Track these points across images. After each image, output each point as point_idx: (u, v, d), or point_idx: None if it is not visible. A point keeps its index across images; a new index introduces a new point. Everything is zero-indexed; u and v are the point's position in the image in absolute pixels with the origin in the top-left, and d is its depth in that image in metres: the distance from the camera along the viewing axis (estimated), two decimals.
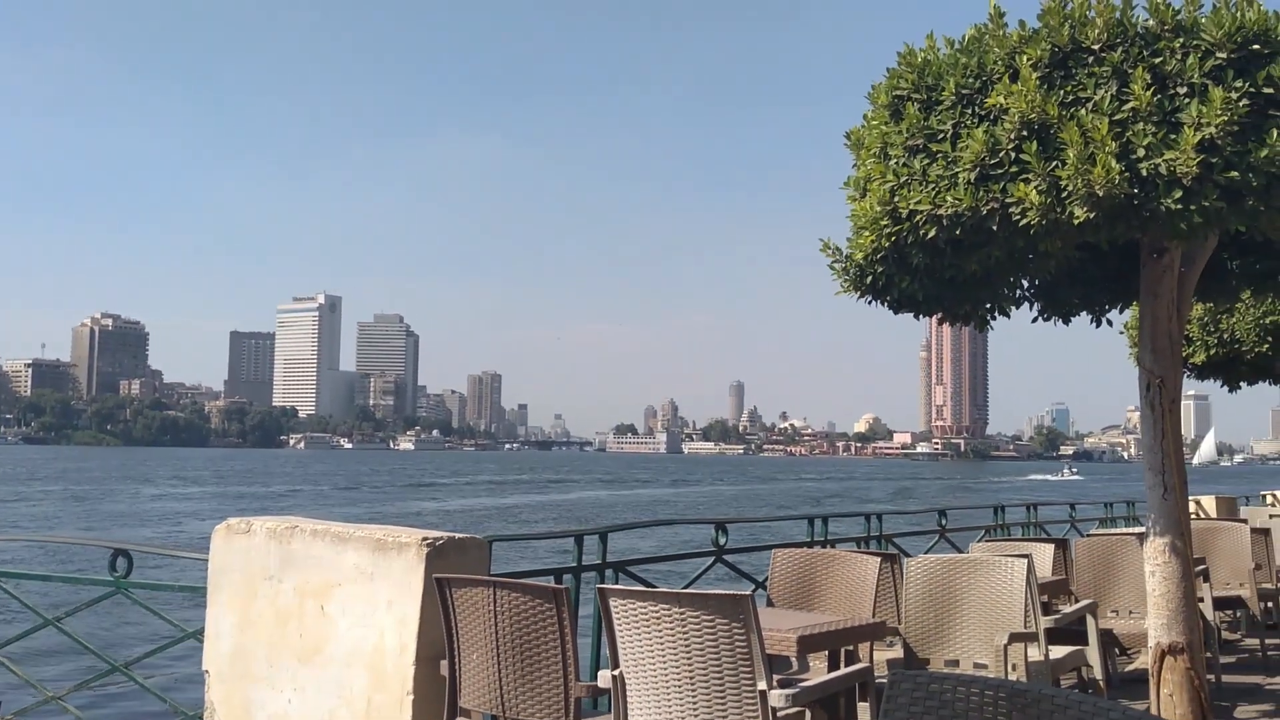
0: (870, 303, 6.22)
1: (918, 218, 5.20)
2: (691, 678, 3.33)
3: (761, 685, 3.25)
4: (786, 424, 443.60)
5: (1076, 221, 4.74)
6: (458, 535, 4.14)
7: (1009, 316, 6.68)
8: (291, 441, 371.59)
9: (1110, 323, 6.78)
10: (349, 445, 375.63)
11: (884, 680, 4.68)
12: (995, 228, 4.99)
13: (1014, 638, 4.75)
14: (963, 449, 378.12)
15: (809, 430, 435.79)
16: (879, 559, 5.36)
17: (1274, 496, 16.63)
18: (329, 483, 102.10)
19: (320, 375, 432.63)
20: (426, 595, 3.92)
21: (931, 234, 5.18)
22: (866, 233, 5.59)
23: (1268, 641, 8.60)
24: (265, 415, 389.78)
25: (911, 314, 6.47)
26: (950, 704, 1.99)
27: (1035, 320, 6.74)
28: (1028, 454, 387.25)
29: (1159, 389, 5.90)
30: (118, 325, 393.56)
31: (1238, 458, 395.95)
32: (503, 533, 5.48)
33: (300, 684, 4.12)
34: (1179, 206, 4.52)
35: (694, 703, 3.33)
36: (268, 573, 4.27)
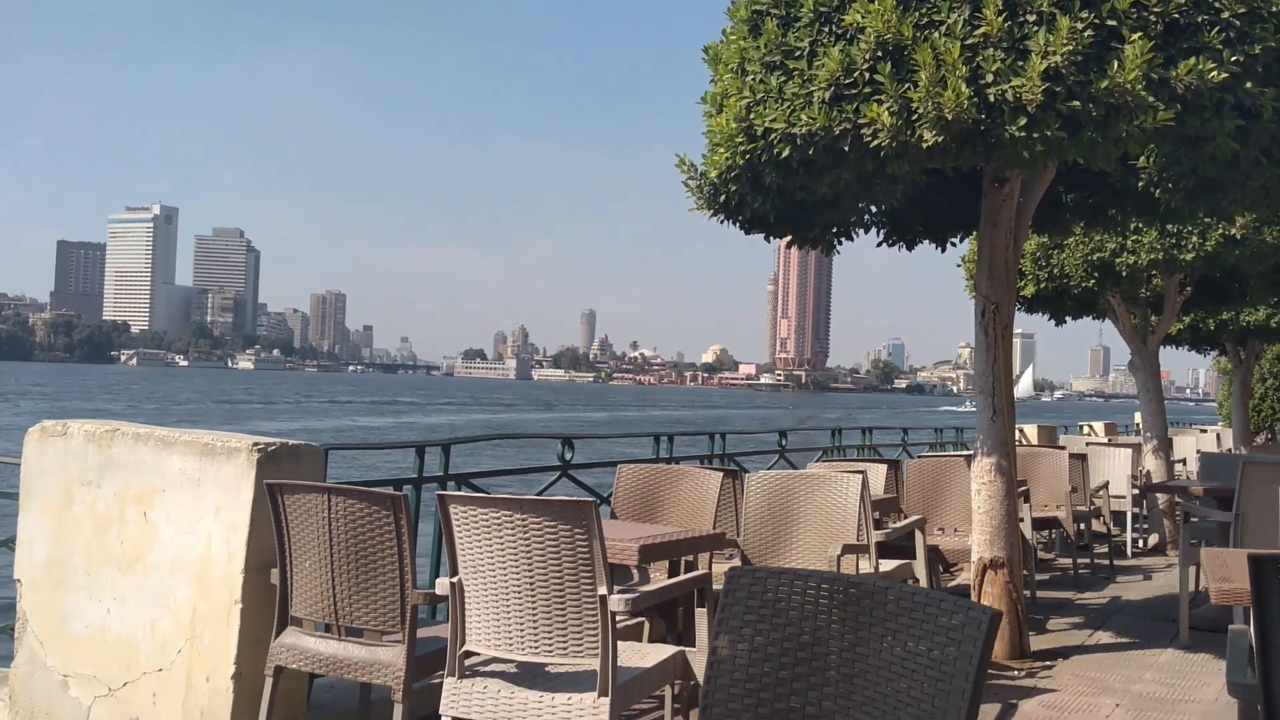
0: (723, 222, 6.22)
1: (772, 136, 5.19)
2: (532, 584, 3.29)
3: (602, 590, 3.24)
4: (637, 353, 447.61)
5: (925, 145, 4.80)
6: (291, 441, 3.98)
7: (854, 240, 6.82)
8: (123, 358, 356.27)
9: (955, 244, 6.98)
10: (185, 363, 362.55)
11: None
12: (847, 148, 5.02)
13: (846, 549, 4.88)
14: (804, 380, 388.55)
15: (659, 360, 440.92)
16: (721, 474, 5.42)
17: (1090, 428, 17.62)
18: (168, 400, 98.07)
19: (155, 289, 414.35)
20: (257, 502, 3.76)
21: (785, 153, 5.18)
22: (722, 150, 5.56)
23: (1079, 561, 9.13)
24: (95, 329, 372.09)
25: (762, 235, 6.52)
26: (786, 598, 1.99)
27: (880, 245, 6.88)
28: (864, 386, 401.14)
29: (993, 314, 6.10)
30: None
31: (1057, 394, 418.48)
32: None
33: (120, 593, 3.92)
34: (1023, 134, 4.62)
35: (533, 608, 3.30)
36: (86, 478, 4.03)
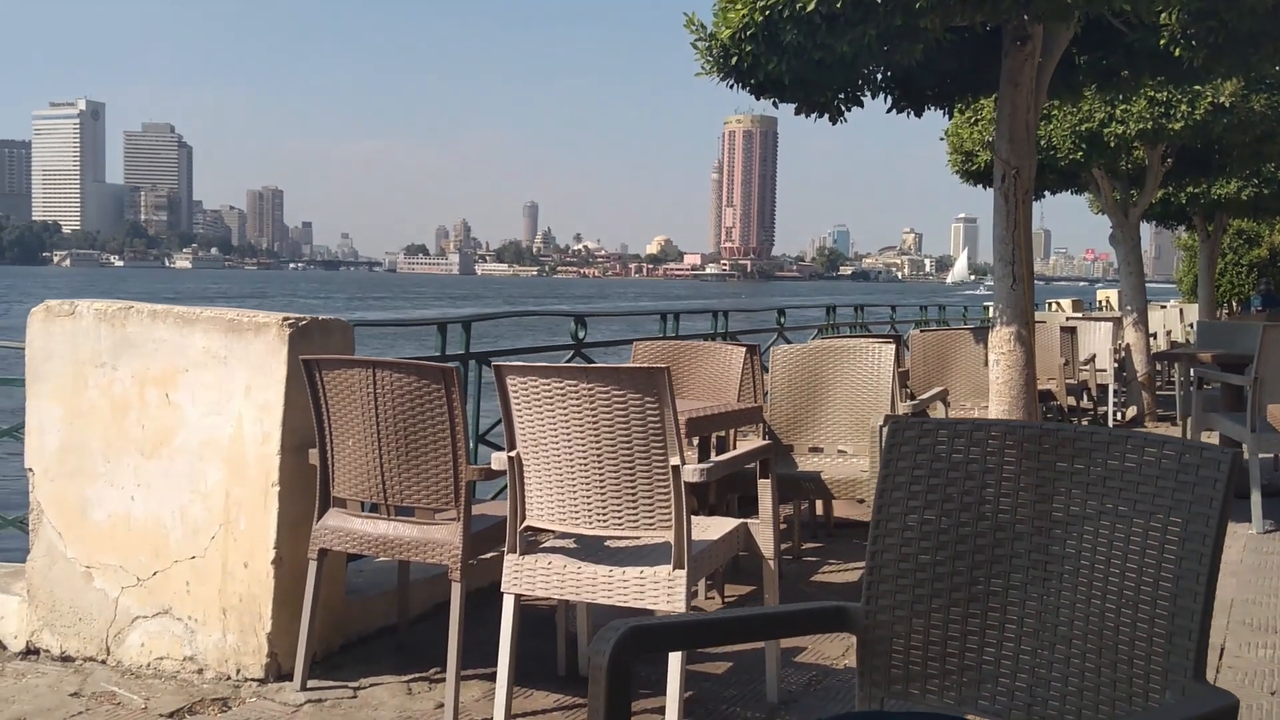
0: (732, 86, 5.95)
1: None
2: (599, 455, 3.12)
3: (675, 460, 3.08)
4: (580, 245, 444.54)
5: None
6: (321, 316, 3.74)
7: (862, 106, 6.58)
8: (56, 259, 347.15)
9: (961, 110, 6.77)
10: (120, 263, 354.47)
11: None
12: (880, 0, 4.77)
13: (888, 420, 4.77)
14: (749, 270, 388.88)
15: (603, 252, 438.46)
16: (744, 349, 5.27)
17: (1058, 304, 17.71)
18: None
19: (85, 188, 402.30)
20: (291, 379, 3.54)
21: (811, 7, 4.91)
22: (739, 6, 5.28)
23: None
24: (25, 230, 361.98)
25: (772, 100, 6.28)
26: (964, 450, 1.84)
27: (890, 111, 6.66)
28: (809, 274, 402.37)
29: (1014, 179, 5.93)
30: None
31: None
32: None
33: (145, 479, 3.69)
34: None
35: (601, 480, 3.13)
36: (99, 359, 3.76)
